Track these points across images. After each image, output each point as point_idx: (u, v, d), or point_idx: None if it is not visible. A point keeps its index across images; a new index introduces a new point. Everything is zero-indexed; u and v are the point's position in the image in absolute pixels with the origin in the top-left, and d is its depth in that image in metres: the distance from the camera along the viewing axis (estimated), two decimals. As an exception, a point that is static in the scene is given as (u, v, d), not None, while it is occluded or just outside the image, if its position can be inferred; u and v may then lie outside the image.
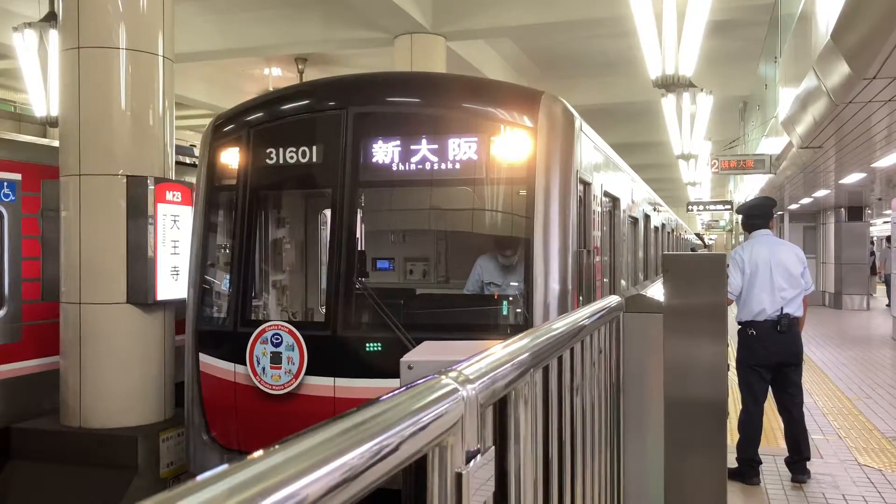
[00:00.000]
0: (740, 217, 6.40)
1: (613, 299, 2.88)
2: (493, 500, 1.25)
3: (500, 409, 1.44)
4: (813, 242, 21.56)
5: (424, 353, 2.31)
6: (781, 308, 5.58)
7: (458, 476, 1.08)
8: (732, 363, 5.41)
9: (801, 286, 5.70)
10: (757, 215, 6.07)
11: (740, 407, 5.84)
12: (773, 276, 5.61)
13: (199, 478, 0.67)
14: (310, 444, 0.82)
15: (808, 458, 5.81)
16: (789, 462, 5.81)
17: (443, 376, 1.15)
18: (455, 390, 1.11)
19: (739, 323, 5.75)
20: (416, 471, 1.06)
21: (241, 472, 0.69)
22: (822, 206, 20.12)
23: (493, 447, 1.26)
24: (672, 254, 3.26)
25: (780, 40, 10.92)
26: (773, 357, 5.63)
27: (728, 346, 3.21)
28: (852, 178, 13.07)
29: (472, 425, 1.15)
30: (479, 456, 1.17)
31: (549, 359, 1.82)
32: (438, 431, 1.03)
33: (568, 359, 2.08)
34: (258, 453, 0.76)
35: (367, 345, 4.89)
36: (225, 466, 0.70)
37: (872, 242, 25.15)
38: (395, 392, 1.05)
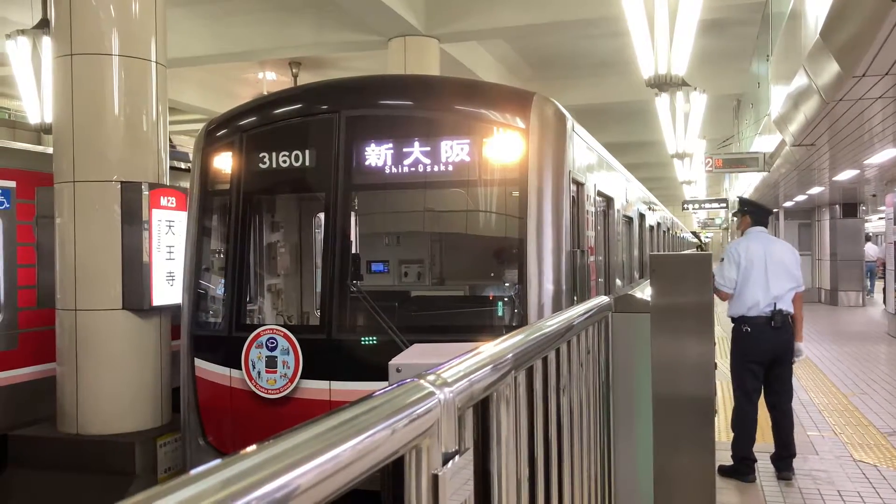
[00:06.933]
0: (744, 205, 6.25)
1: (601, 300, 2.91)
2: (473, 500, 1.27)
3: (482, 410, 1.46)
4: (808, 239, 21.61)
5: (413, 355, 2.33)
6: (774, 304, 5.60)
7: (435, 477, 1.10)
8: (720, 360, 5.43)
9: (794, 282, 5.72)
10: (761, 209, 6.16)
11: (733, 404, 5.86)
12: (767, 271, 5.64)
13: (193, 472, 0.72)
14: (285, 446, 0.84)
15: (794, 456, 5.83)
16: (776, 459, 5.81)
17: (422, 380, 1.17)
18: (431, 394, 1.13)
19: (732, 319, 5.76)
20: (395, 472, 1.08)
21: (227, 469, 0.76)
22: (816, 202, 20.16)
23: (471, 449, 1.28)
24: (658, 254, 3.29)
25: (771, 38, 10.95)
26: (767, 354, 5.65)
27: (716, 343, 3.24)
28: (846, 175, 13.12)
29: (449, 428, 1.17)
30: (456, 457, 1.19)
31: (532, 360, 1.84)
32: (414, 434, 1.05)
33: (553, 360, 2.10)
34: (239, 453, 0.81)
35: (362, 348, 4.91)
36: (217, 461, 0.77)
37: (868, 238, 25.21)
38: (374, 394, 1.07)
